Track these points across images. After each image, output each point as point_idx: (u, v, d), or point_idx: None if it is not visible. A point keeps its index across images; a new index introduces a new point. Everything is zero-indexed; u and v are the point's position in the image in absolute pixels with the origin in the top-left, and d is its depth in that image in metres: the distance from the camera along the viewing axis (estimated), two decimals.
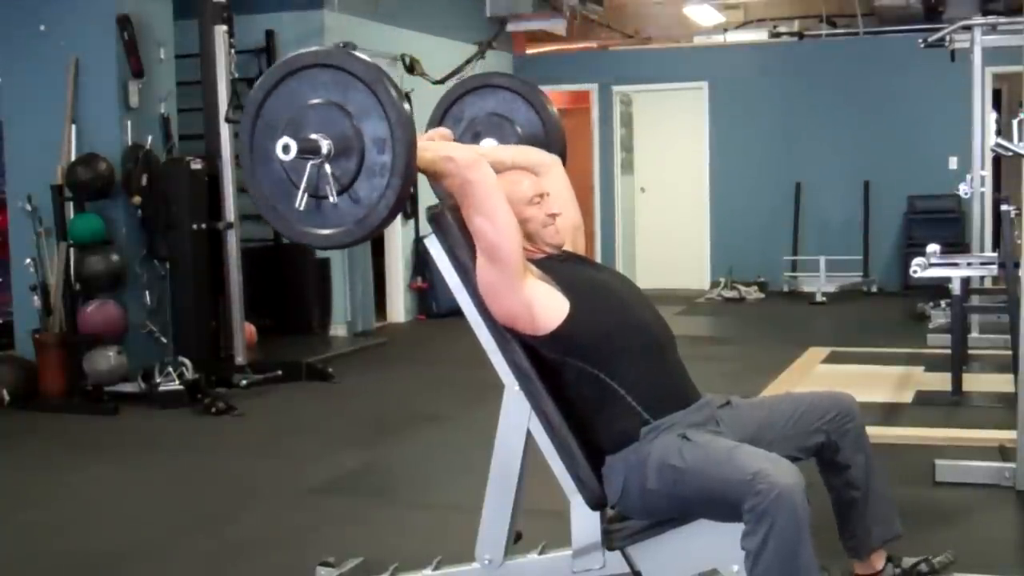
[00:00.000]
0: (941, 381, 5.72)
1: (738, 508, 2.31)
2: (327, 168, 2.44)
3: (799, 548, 2.29)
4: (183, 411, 5.90)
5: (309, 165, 2.45)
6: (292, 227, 2.54)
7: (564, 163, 3.01)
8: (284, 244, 8.29)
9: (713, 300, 10.51)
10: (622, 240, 11.47)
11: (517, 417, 2.66)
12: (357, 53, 2.52)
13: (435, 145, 2.64)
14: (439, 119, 3.11)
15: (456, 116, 3.12)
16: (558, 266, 2.69)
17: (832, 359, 7.02)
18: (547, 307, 2.57)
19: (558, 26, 9.80)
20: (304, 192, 2.47)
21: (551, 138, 3.06)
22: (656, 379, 2.61)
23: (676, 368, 2.68)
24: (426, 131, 2.80)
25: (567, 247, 2.83)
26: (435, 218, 2.70)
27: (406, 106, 2.45)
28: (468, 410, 5.65)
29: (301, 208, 2.48)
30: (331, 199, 2.46)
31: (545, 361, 2.64)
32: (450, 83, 8.81)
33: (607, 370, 2.57)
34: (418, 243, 9.14)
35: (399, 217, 9.07)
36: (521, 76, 3.37)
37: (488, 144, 3.01)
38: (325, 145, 2.44)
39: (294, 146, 2.42)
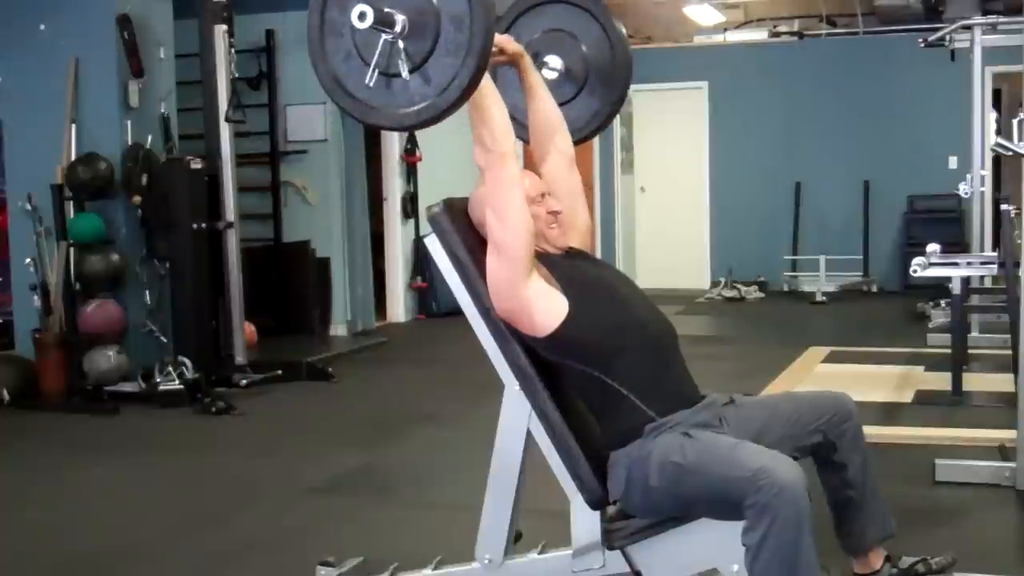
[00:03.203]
0: (941, 381, 5.73)
1: (740, 505, 2.31)
2: (400, 44, 2.32)
3: (800, 545, 2.29)
4: (183, 411, 5.90)
5: (382, 40, 2.33)
6: (359, 106, 2.41)
7: (625, 92, 2.98)
8: (284, 244, 8.30)
9: (713, 300, 10.51)
10: (622, 240, 11.47)
11: (517, 417, 2.66)
12: None
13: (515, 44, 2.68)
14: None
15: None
16: (559, 261, 2.69)
17: (832, 359, 7.02)
18: (546, 310, 2.56)
19: None
20: (375, 68, 2.34)
21: (616, 55, 2.92)
22: (657, 377, 2.61)
23: (679, 367, 2.68)
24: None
25: (574, 245, 2.80)
26: (434, 218, 2.70)
27: None
28: (468, 410, 5.64)
29: (371, 85, 2.36)
30: (403, 75, 2.33)
31: (545, 362, 2.65)
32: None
33: (607, 371, 2.56)
34: (418, 243, 9.13)
35: (399, 216, 9.12)
36: None
37: (554, 63, 2.93)
38: (400, 21, 2.31)
39: (370, 13, 2.28)
